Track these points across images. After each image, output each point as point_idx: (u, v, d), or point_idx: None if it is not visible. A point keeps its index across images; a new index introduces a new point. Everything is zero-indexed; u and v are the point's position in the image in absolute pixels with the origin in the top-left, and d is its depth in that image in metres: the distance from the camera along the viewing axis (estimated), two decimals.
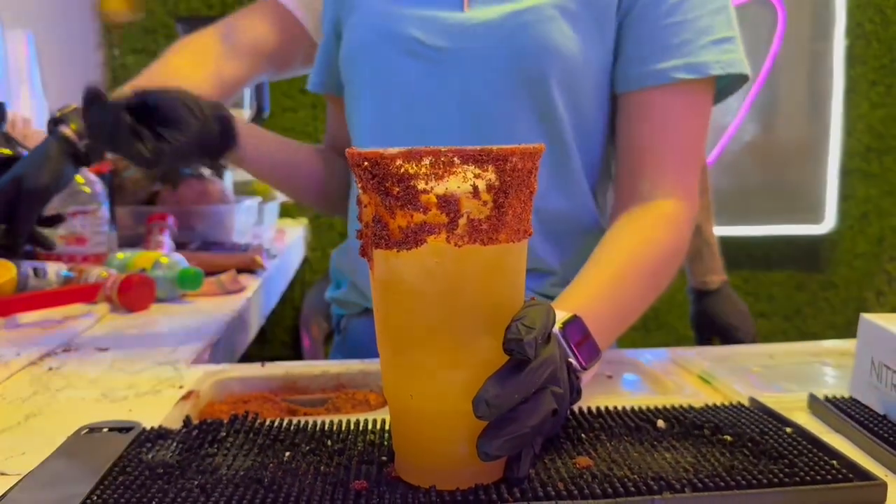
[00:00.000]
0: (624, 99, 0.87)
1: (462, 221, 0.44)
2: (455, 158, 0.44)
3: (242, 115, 1.95)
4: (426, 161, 0.44)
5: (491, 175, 0.44)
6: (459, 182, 0.44)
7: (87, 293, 1.02)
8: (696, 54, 0.82)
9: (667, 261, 0.80)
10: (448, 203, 0.44)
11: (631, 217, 0.83)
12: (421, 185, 0.44)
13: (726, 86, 0.88)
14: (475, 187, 0.44)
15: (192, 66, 1.02)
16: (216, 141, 0.86)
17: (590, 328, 0.62)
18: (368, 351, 0.98)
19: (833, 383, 0.75)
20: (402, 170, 0.44)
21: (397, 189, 0.44)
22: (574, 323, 0.61)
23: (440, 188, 0.44)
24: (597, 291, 0.72)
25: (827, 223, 2.64)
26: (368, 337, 1.01)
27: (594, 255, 0.78)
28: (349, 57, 0.94)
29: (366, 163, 0.45)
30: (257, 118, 1.97)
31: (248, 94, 1.96)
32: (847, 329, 1.98)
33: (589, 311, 0.64)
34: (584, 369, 0.58)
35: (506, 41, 0.85)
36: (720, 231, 2.60)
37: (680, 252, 0.83)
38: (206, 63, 1.04)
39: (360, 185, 0.47)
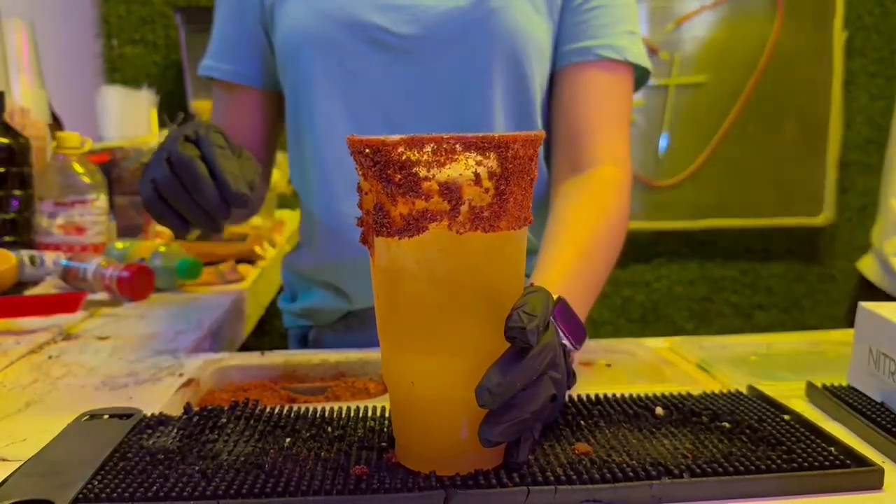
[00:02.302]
0: (558, 75, 0.93)
1: (464, 209, 0.45)
2: (457, 145, 0.44)
3: None
4: (428, 148, 0.44)
5: (493, 162, 0.44)
6: (461, 169, 0.44)
7: (70, 303, 0.98)
8: (617, 38, 0.90)
9: (620, 227, 0.85)
10: (450, 190, 0.44)
11: (578, 185, 0.87)
12: (423, 173, 0.44)
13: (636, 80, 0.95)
14: (477, 174, 0.44)
15: None
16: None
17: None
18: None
19: (830, 372, 0.75)
20: (404, 157, 0.44)
21: (399, 176, 0.44)
22: (560, 305, 0.61)
23: (442, 175, 0.44)
24: (568, 269, 0.74)
25: (826, 215, 2.64)
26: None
27: (557, 228, 0.81)
28: (292, 48, 0.91)
29: (367, 150, 0.45)
30: None
31: None
32: (844, 321, 1.99)
33: (565, 290, 0.64)
34: (577, 349, 0.59)
35: (479, 26, 0.87)
36: (717, 223, 2.61)
37: (626, 217, 0.87)
38: None
39: (360, 173, 0.47)
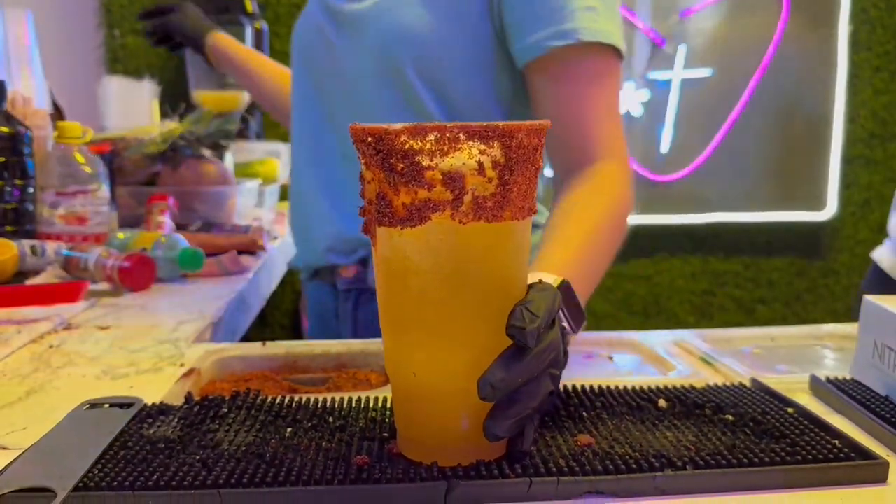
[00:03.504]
0: (525, 75, 0.89)
1: (467, 198, 0.44)
2: (461, 134, 0.43)
3: (244, 97, 1.94)
4: (431, 136, 0.43)
5: (496, 151, 0.44)
6: (465, 158, 0.44)
7: (71, 292, 0.98)
8: (564, 21, 0.82)
9: (623, 217, 0.84)
10: (453, 180, 0.44)
11: (582, 178, 0.85)
12: (425, 162, 0.43)
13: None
14: (480, 164, 0.44)
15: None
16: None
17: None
18: (322, 316, 1.08)
19: (834, 366, 0.75)
20: (407, 145, 0.43)
21: (402, 165, 0.44)
22: (565, 288, 0.61)
23: (445, 164, 0.43)
24: (572, 255, 0.74)
25: (828, 210, 2.63)
26: (317, 301, 1.10)
27: (561, 216, 0.81)
28: (294, 53, 1.07)
29: (369, 138, 0.44)
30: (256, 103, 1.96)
31: None
32: (847, 316, 1.98)
33: (569, 275, 0.65)
34: (575, 333, 0.59)
35: (371, 27, 0.92)
36: (720, 217, 2.61)
37: (629, 208, 0.86)
38: None
39: (363, 161, 0.46)
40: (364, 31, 0.93)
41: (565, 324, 0.58)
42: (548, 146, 0.92)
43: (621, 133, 0.88)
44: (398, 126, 0.43)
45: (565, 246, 0.75)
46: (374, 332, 0.99)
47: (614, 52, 0.85)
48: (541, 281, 0.50)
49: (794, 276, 2.70)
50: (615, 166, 0.86)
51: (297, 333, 2.42)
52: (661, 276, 2.67)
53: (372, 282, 0.99)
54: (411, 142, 0.43)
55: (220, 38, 1.41)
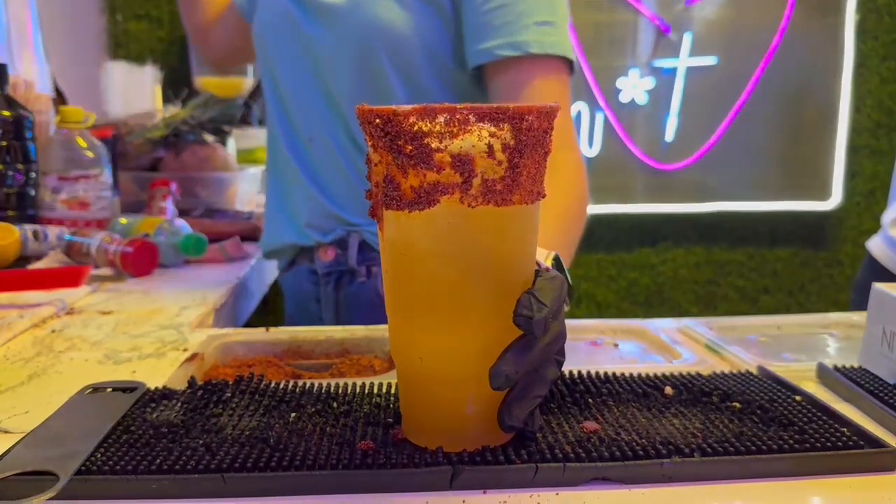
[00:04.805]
0: (483, 75, 0.95)
1: (476, 181, 0.43)
2: (470, 116, 0.42)
3: (246, 83, 1.93)
4: (441, 118, 0.42)
5: (506, 134, 0.43)
6: (474, 141, 0.43)
7: (74, 277, 0.97)
8: (518, 34, 0.90)
9: (584, 203, 0.91)
10: (462, 162, 0.43)
11: None
12: (435, 144, 0.43)
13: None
14: (490, 146, 0.43)
15: None
16: None
17: None
18: (301, 304, 1.09)
19: (841, 354, 0.75)
20: (416, 127, 0.43)
21: (410, 147, 0.43)
22: (555, 261, 0.62)
23: (454, 147, 0.43)
24: (551, 234, 0.76)
25: (833, 200, 2.62)
26: (294, 289, 1.11)
27: None
28: (257, 34, 1.08)
29: (377, 120, 0.44)
30: (261, 85, 1.95)
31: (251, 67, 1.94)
32: (850, 307, 1.98)
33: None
34: (567, 306, 0.60)
35: (345, 20, 0.96)
36: (725, 206, 2.60)
37: (587, 195, 0.92)
38: None
39: (370, 144, 0.46)
40: (340, 22, 0.97)
41: None
42: None
43: (572, 126, 0.95)
44: (407, 108, 0.43)
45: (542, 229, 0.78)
46: (357, 314, 1.03)
47: (564, 62, 0.93)
48: (549, 269, 0.49)
49: (799, 266, 2.69)
50: (572, 157, 0.91)
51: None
52: (665, 265, 2.66)
53: (352, 262, 1.03)
54: (420, 124, 0.42)
55: None
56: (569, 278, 0.67)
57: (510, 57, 0.90)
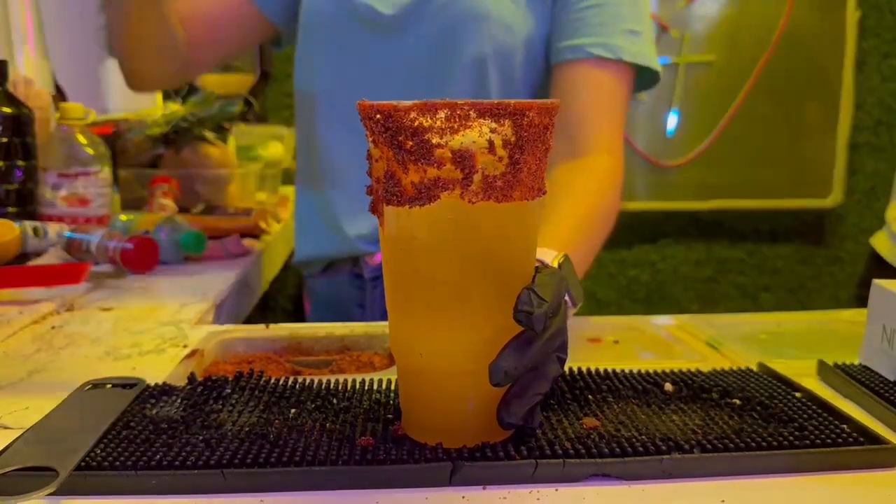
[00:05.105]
0: (554, 70, 0.95)
1: (477, 177, 0.43)
2: (471, 112, 0.42)
3: (248, 79, 1.93)
4: (441, 114, 0.42)
5: (507, 130, 0.43)
6: (475, 136, 0.43)
7: (74, 274, 0.96)
8: (611, 36, 0.91)
9: (612, 209, 0.89)
10: (463, 158, 0.43)
11: (573, 169, 0.90)
12: (435, 140, 0.43)
13: (641, 81, 0.97)
14: (491, 142, 0.43)
15: None
16: None
17: None
18: (337, 309, 1.06)
19: (842, 351, 0.74)
20: (417, 123, 0.43)
21: (411, 143, 0.43)
22: (565, 263, 0.62)
23: (455, 142, 0.43)
24: (567, 235, 0.76)
25: (834, 197, 2.62)
26: (330, 295, 1.09)
27: (553, 203, 0.83)
28: (308, 21, 1.02)
29: (378, 115, 0.43)
30: (261, 82, 1.95)
31: (252, 58, 1.94)
32: (851, 304, 1.98)
33: (567, 251, 0.67)
34: (574, 307, 0.60)
35: (444, 7, 0.93)
36: (725, 203, 2.59)
37: (618, 201, 0.91)
38: None
39: (370, 139, 0.46)
40: (427, 22, 0.94)
41: (567, 298, 0.58)
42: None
43: (621, 136, 0.94)
44: (408, 103, 0.43)
45: (562, 228, 0.77)
46: None
47: (634, 73, 0.93)
48: (546, 265, 0.49)
49: (799, 263, 2.68)
50: (610, 163, 0.91)
51: (299, 319, 2.41)
52: (665, 262, 2.66)
53: None
54: (421, 119, 0.42)
55: None
56: (577, 281, 0.67)
57: (602, 57, 0.91)
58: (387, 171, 0.45)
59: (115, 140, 1.42)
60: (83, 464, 0.44)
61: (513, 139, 0.44)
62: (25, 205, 1.18)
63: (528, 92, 0.98)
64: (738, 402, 0.54)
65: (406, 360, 0.48)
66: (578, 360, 0.62)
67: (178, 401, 0.54)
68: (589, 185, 0.87)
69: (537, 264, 0.49)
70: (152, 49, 1.03)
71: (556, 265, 0.61)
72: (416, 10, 0.95)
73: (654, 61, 0.93)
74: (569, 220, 0.80)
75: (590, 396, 0.55)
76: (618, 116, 0.93)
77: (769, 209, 2.63)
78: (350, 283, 1.06)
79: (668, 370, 0.61)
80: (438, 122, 0.42)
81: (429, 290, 0.46)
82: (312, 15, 1.02)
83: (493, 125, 0.43)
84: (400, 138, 0.43)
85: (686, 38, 2.54)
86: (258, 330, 0.77)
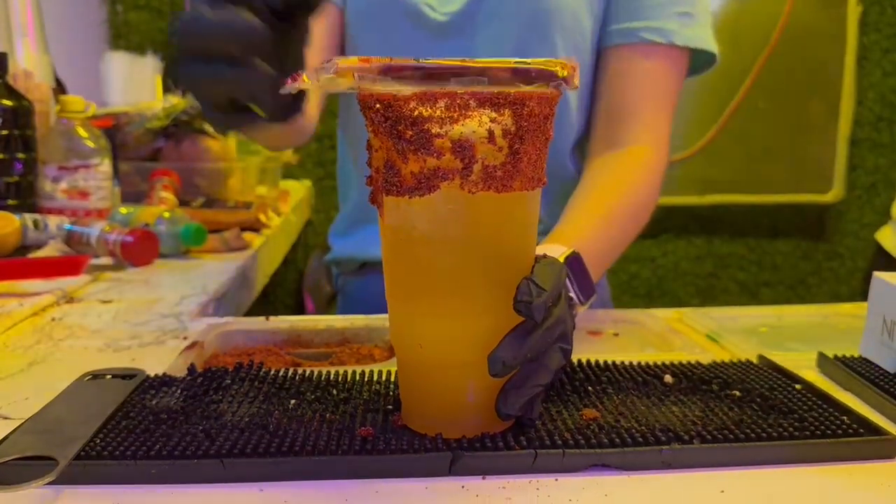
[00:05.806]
0: (604, 53, 0.92)
1: (476, 167, 0.43)
2: (471, 101, 0.42)
3: None
4: (441, 103, 0.42)
5: (507, 119, 0.43)
6: (475, 126, 0.43)
7: (73, 266, 0.95)
8: (664, 19, 0.88)
9: (645, 205, 0.86)
10: (463, 148, 0.43)
11: (609, 161, 0.87)
12: (435, 129, 0.43)
13: (697, 64, 0.93)
14: (491, 132, 0.43)
15: None
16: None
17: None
18: (369, 307, 1.01)
19: (842, 344, 0.74)
20: (416, 112, 0.42)
21: (410, 133, 0.43)
22: (574, 258, 0.61)
23: (455, 132, 0.43)
24: (588, 232, 0.75)
25: (835, 192, 2.62)
26: (367, 293, 1.04)
27: (580, 196, 0.82)
28: (355, 17, 0.97)
29: (378, 105, 0.43)
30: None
31: None
32: (851, 300, 1.97)
33: (582, 249, 0.65)
34: (583, 304, 0.59)
35: (515, 2, 0.89)
36: (725, 198, 2.59)
37: (654, 198, 0.88)
38: None
39: (370, 129, 0.46)
40: (502, 17, 0.91)
41: (573, 294, 0.57)
42: (592, 123, 0.94)
43: (668, 125, 0.91)
44: (407, 92, 0.42)
45: (579, 224, 0.76)
46: None
47: (690, 56, 0.90)
48: (546, 255, 0.49)
49: (799, 258, 2.68)
50: (649, 151, 0.87)
51: (299, 313, 2.42)
52: (666, 257, 2.66)
53: None
54: (421, 109, 0.42)
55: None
56: (589, 277, 0.65)
57: (654, 42, 0.87)
58: (386, 160, 0.45)
59: (115, 133, 1.42)
60: (83, 453, 0.44)
61: (513, 129, 0.43)
62: (25, 197, 1.18)
63: (588, 81, 0.94)
64: (737, 393, 0.54)
65: (406, 351, 0.48)
66: (578, 352, 0.62)
67: (178, 391, 0.54)
68: (623, 178, 0.85)
69: (539, 256, 0.49)
70: (294, 141, 1.04)
71: (561, 260, 0.61)
72: (484, 4, 0.91)
73: (709, 42, 0.89)
74: (592, 214, 0.78)
75: (589, 388, 0.55)
76: (666, 106, 0.90)
77: (770, 205, 2.63)
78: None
79: (668, 362, 0.61)
80: (438, 112, 0.42)
81: (428, 280, 0.46)
82: (362, 11, 0.95)
83: (494, 115, 0.43)
84: (399, 128, 0.43)
85: None
86: (258, 322, 0.77)
